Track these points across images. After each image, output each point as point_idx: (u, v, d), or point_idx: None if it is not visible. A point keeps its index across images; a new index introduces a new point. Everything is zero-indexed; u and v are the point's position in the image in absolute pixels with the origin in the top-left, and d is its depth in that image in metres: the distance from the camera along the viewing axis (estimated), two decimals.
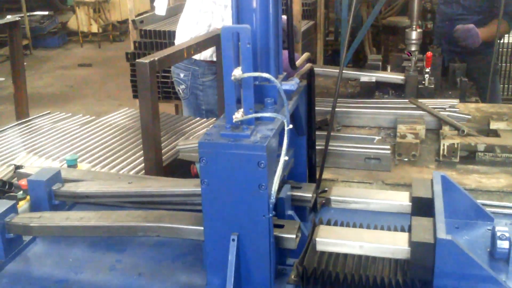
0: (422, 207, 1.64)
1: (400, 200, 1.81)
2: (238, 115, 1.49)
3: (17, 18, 3.85)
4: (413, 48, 3.76)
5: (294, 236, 1.64)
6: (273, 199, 1.48)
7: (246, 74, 1.43)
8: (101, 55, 12.26)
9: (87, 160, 2.91)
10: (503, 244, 1.58)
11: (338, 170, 2.67)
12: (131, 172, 2.76)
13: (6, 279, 1.83)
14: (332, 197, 1.95)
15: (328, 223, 1.77)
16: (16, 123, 3.83)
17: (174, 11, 5.18)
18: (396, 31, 6.36)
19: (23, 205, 2.11)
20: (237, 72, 1.46)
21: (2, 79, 10.45)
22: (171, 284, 1.78)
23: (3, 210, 1.87)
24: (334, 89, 3.94)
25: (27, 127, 3.70)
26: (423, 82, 3.74)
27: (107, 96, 8.85)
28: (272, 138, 1.50)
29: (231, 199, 1.51)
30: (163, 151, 2.90)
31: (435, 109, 3.15)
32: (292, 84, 1.69)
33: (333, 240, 1.62)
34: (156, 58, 2.53)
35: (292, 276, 1.74)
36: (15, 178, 2.50)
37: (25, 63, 11.38)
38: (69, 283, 1.80)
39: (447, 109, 3.20)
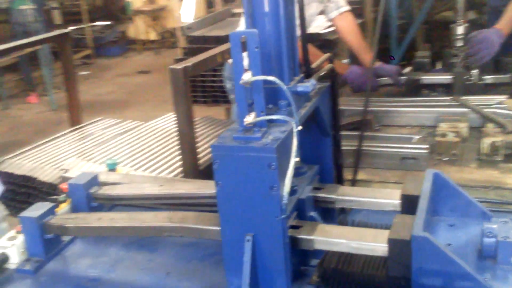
0: (411, 204, 1.63)
1: (392, 198, 1.80)
2: (249, 118, 1.53)
3: (67, 30, 4.03)
4: (460, 44, 3.67)
5: (311, 237, 1.66)
6: (285, 200, 1.51)
7: (253, 78, 1.46)
8: (158, 62, 12.53)
9: (130, 164, 3.02)
10: (489, 242, 1.55)
11: (374, 170, 2.65)
12: (171, 175, 2.85)
13: (44, 277, 1.94)
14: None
15: (342, 223, 1.78)
16: (70, 129, 4.02)
17: (221, 16, 5.26)
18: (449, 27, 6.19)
19: (64, 207, 2.22)
20: (246, 76, 1.49)
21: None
22: (197, 283, 1.84)
23: (42, 212, 1.98)
24: (384, 89, 3.89)
25: (79, 133, 3.88)
26: (471, 78, 3.63)
27: (163, 101, 9.04)
28: (284, 140, 1.52)
29: (245, 201, 1.54)
30: (203, 154, 2.98)
31: (480, 106, 3.07)
32: (307, 85, 1.70)
33: (315, 237, 1.64)
34: (189, 64, 2.60)
35: (314, 277, 1.76)
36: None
37: (87, 72, 11.87)
38: (102, 282, 1.89)
39: (493, 105, 3.11)
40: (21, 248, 1.98)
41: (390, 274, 1.51)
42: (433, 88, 3.81)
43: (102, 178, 2.34)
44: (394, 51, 6.17)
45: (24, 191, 3.27)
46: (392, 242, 1.48)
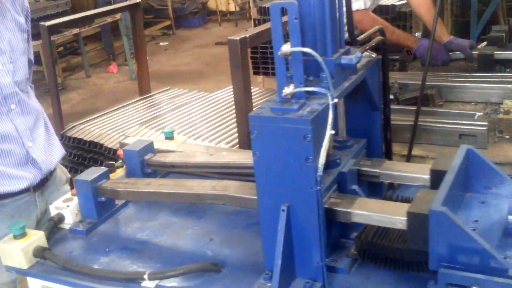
0: (439, 180, 1.58)
1: (422, 173, 1.78)
2: (287, 90, 1.53)
3: (139, 0, 4.12)
4: None
5: (348, 210, 1.65)
6: (320, 172, 1.51)
7: (290, 49, 1.46)
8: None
9: (190, 133, 3.09)
10: None
11: (431, 147, 2.59)
12: (228, 145, 2.89)
13: (95, 237, 2.04)
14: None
15: (387, 198, 1.76)
16: (139, 98, 4.16)
17: None
18: None
19: (120, 172, 2.32)
20: (285, 48, 1.49)
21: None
22: (238, 251, 1.88)
23: (95, 176, 2.07)
24: (456, 63, 3.76)
25: (147, 102, 4.00)
26: None
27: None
28: (321, 112, 1.51)
29: (280, 171, 1.55)
30: None
31: None
32: (351, 58, 1.68)
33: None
34: (247, 35, 2.61)
35: (352, 250, 1.76)
36: None
37: (167, 43, 12.11)
38: (148, 245, 1.97)
39: None
40: (75, 210, 2.08)
41: (410, 247, 1.51)
42: (507, 64, 3.64)
43: (158, 145, 2.42)
44: (473, 25, 5.92)
45: (91, 156, 3.43)
46: (410, 216, 1.48)
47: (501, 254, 1.42)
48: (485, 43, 4.03)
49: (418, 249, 1.48)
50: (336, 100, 1.49)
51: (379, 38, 1.88)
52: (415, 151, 2.49)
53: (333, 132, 1.50)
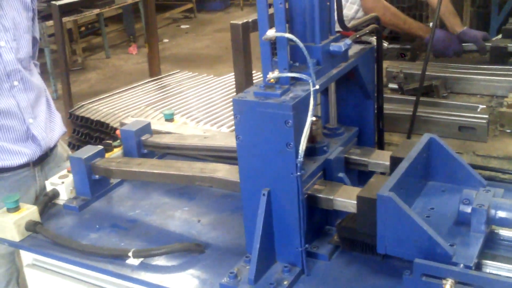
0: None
1: (383, 160, 1.83)
2: (272, 75, 1.54)
3: None
4: None
5: (330, 197, 1.66)
6: (300, 158, 1.51)
7: (274, 34, 1.46)
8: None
9: (193, 116, 3.11)
10: (465, 209, 1.53)
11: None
12: (228, 130, 2.91)
13: (88, 214, 2.08)
14: None
15: None
16: (148, 80, 4.19)
17: None
18: None
19: (117, 152, 2.35)
20: (270, 33, 1.49)
21: (166, 40, 11.25)
22: (224, 233, 1.90)
23: (90, 154, 2.11)
24: (468, 55, 3.71)
25: (156, 84, 4.02)
26: None
27: (256, 58, 9.15)
28: (303, 99, 1.52)
29: (262, 156, 1.56)
30: None
31: None
32: (340, 45, 1.67)
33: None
34: (250, 20, 2.61)
35: (335, 237, 1.77)
36: None
37: (188, 26, 12.10)
38: (138, 223, 2.00)
39: None
40: (70, 187, 2.12)
41: (358, 229, 1.55)
42: None
43: (156, 127, 2.45)
44: (494, 16, 5.82)
45: (97, 135, 3.47)
46: (360, 200, 1.52)
47: (449, 241, 1.45)
48: (500, 35, 3.96)
49: (367, 232, 1.52)
50: (317, 86, 1.49)
51: (372, 26, 1.87)
52: None
53: (314, 118, 1.51)
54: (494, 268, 1.49)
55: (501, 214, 1.52)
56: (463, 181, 1.70)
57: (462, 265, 1.39)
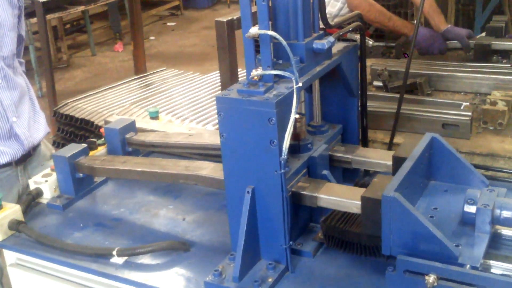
0: (400, 167, 1.59)
1: (385, 159, 1.80)
2: (255, 72, 1.54)
3: None
4: None
5: (314, 194, 1.67)
6: (284, 156, 1.52)
7: (257, 32, 1.47)
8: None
9: (178, 114, 3.10)
10: (470, 209, 1.52)
11: (414, 135, 2.57)
12: (213, 128, 2.90)
13: (72, 213, 2.07)
14: None
15: (359, 185, 1.76)
16: (133, 77, 4.17)
17: None
18: None
19: (101, 150, 2.34)
20: (253, 30, 1.49)
21: (153, 38, 11.20)
22: (209, 231, 1.90)
23: (74, 153, 2.10)
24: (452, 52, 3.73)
25: (141, 82, 4.01)
26: None
27: (242, 55, 9.12)
28: (287, 96, 1.52)
29: (246, 154, 1.56)
30: None
31: None
32: (323, 43, 1.68)
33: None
34: (235, 17, 2.61)
35: (319, 234, 1.77)
36: None
37: (174, 23, 12.05)
38: (122, 222, 2.00)
39: None
40: (53, 185, 2.11)
41: (363, 231, 1.53)
42: (505, 55, 3.60)
43: (141, 125, 2.44)
44: (478, 14, 5.87)
45: (82, 133, 3.45)
46: (364, 201, 1.49)
47: (454, 242, 1.44)
48: (484, 33, 3.99)
49: (372, 233, 1.49)
50: (300, 84, 1.49)
51: (355, 24, 1.87)
52: (397, 139, 2.48)
53: (297, 116, 1.51)
54: (498, 268, 1.47)
55: (506, 214, 1.50)
56: (465, 181, 1.69)
57: (468, 266, 1.39)
